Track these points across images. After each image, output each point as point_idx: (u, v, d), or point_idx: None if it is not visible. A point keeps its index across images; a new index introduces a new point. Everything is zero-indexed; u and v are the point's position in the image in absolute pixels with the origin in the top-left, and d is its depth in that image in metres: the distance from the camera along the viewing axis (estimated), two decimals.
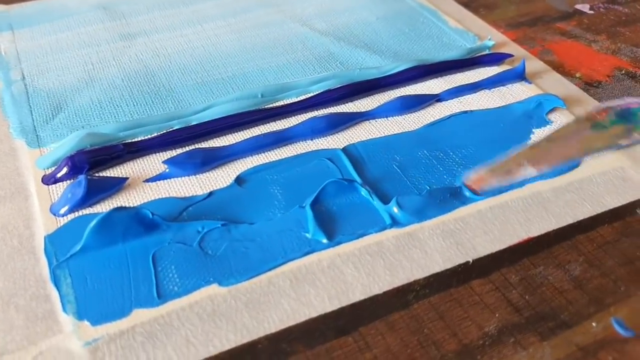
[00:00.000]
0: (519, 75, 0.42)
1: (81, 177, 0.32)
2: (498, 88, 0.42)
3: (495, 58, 0.44)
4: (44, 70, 0.43)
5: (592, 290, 0.29)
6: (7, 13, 0.49)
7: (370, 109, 0.39)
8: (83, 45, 0.45)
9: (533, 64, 0.44)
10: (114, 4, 0.51)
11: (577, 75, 0.44)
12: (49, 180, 0.34)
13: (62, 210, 0.32)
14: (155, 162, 0.35)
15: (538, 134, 0.38)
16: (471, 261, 0.30)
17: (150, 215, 0.30)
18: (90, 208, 0.32)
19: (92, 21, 0.48)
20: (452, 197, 0.33)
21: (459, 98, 0.41)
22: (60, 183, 0.34)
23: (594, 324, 0.28)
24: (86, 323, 0.27)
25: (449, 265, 0.30)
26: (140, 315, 0.27)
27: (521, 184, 0.34)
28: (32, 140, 0.36)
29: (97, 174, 0.34)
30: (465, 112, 0.39)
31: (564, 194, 0.34)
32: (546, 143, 0.35)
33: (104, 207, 0.32)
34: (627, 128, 0.35)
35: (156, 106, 0.39)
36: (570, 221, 0.33)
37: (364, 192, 0.33)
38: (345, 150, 0.36)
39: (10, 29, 0.47)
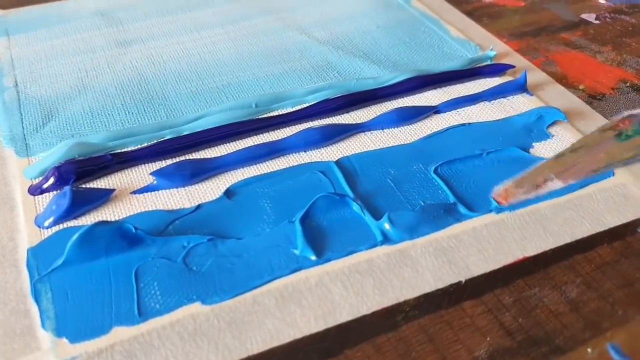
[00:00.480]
0: (521, 87, 0.41)
1: (66, 189, 0.32)
2: (498, 100, 0.41)
3: (497, 69, 0.43)
4: (37, 77, 0.42)
5: (588, 313, 0.28)
6: (5, 18, 0.49)
7: (366, 120, 0.38)
8: (78, 51, 0.45)
9: (535, 75, 0.43)
10: (111, 10, 0.50)
11: (581, 87, 0.43)
12: (35, 190, 0.33)
13: (47, 222, 0.31)
14: (143, 173, 0.34)
15: (538, 148, 0.37)
16: (464, 281, 0.29)
17: (134, 230, 0.30)
18: (75, 220, 0.32)
19: (88, 27, 0.48)
20: (446, 213, 0.32)
21: (458, 110, 0.40)
22: (47, 194, 0.33)
23: (589, 350, 0.27)
24: (64, 340, 0.26)
25: (440, 285, 0.29)
26: (120, 333, 0.27)
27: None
28: (21, 149, 0.36)
29: (83, 185, 0.33)
30: (464, 124, 0.38)
31: (563, 211, 0.33)
32: (571, 154, 0.35)
33: (89, 219, 0.32)
34: None
35: (148, 115, 0.39)
36: (568, 240, 0.31)
37: (355, 207, 0.32)
38: (338, 163, 0.35)
39: (6, 35, 0.47)
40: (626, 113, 0.37)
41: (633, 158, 0.35)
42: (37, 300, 0.28)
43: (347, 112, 0.39)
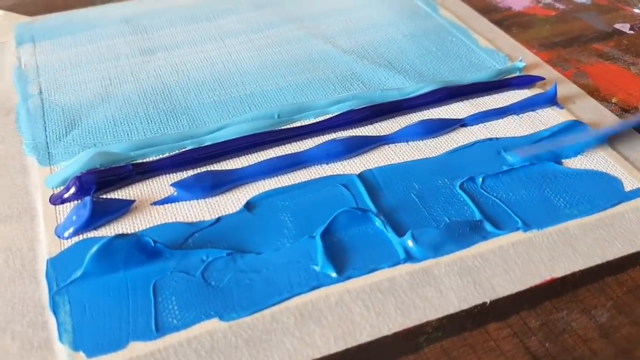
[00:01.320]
0: (551, 100, 0.40)
1: (86, 199, 0.31)
2: (527, 113, 0.39)
3: (526, 81, 0.41)
4: (61, 84, 0.42)
5: (619, 339, 0.27)
6: (31, 25, 0.49)
7: (390, 132, 0.38)
8: (102, 59, 0.45)
9: (566, 88, 0.42)
10: (136, 18, 0.50)
11: (613, 100, 0.41)
12: (56, 200, 0.33)
13: (67, 233, 0.31)
14: (164, 184, 0.34)
15: (567, 163, 0.36)
16: (488, 302, 0.28)
17: (152, 243, 0.29)
18: (95, 231, 0.31)
19: (113, 35, 0.48)
20: (472, 231, 0.31)
21: (485, 123, 0.39)
22: (68, 203, 0.33)
23: None
24: (81, 354, 0.26)
25: (464, 306, 0.28)
26: (136, 348, 0.26)
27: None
28: (44, 158, 0.36)
29: (104, 195, 0.33)
30: (491, 139, 0.37)
31: (593, 230, 0.32)
32: None
33: (109, 231, 0.31)
34: None
35: (170, 125, 0.38)
36: (599, 261, 0.30)
37: (378, 222, 0.31)
38: (361, 176, 0.35)
39: (32, 41, 0.47)
40: None
41: None
42: (55, 312, 0.28)
43: (371, 123, 0.39)
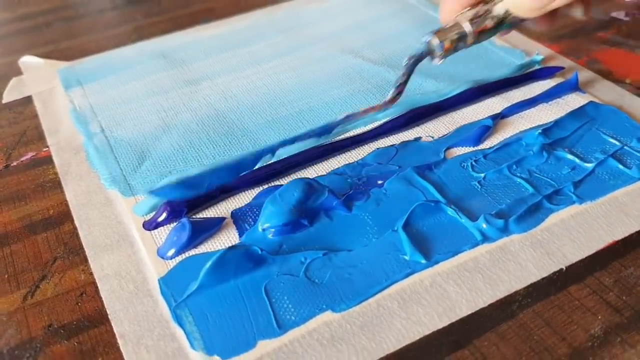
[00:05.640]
0: (573, 87, 0.44)
1: (184, 221, 0.34)
2: (555, 100, 0.43)
3: (548, 72, 0.46)
4: (119, 121, 0.45)
5: None
6: (72, 69, 0.52)
7: (439, 135, 0.41)
8: (151, 93, 0.48)
9: (583, 74, 0.46)
10: (172, 52, 0.53)
11: (627, 81, 0.46)
12: (150, 225, 0.36)
13: (170, 253, 0.34)
14: (245, 200, 0.37)
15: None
16: (564, 268, 0.32)
17: (260, 251, 0.32)
18: (194, 249, 0.34)
19: (154, 70, 0.51)
20: (535, 209, 0.35)
21: (520, 114, 0.42)
22: (161, 227, 0.36)
23: None
24: (217, 358, 0.29)
25: (544, 274, 0.32)
26: (264, 346, 0.29)
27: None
28: (125, 189, 0.38)
29: (194, 216, 0.36)
30: (536, 127, 0.41)
31: (638, 196, 0.36)
32: None
33: (206, 247, 0.34)
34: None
35: (234, 146, 0.41)
36: None
37: (450, 211, 0.35)
38: (420, 173, 0.38)
39: (79, 84, 0.49)
40: None
41: None
42: (181, 324, 0.30)
43: (417, 125, 0.42)
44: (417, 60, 0.34)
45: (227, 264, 0.32)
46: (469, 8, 0.34)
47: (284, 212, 0.34)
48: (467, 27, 0.33)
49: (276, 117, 0.44)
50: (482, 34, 0.34)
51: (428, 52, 0.34)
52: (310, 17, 0.58)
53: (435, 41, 0.33)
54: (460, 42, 0.34)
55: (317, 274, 0.32)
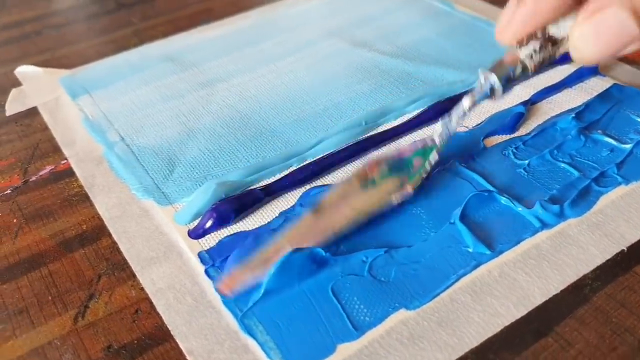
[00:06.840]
0: (594, 71, 0.44)
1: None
2: (578, 85, 0.44)
3: (568, 57, 0.46)
4: (138, 128, 0.43)
5: None
6: (75, 77, 0.49)
7: (472, 125, 0.41)
8: (166, 98, 0.46)
9: None
10: (179, 55, 0.51)
11: None
12: (197, 233, 0.34)
13: None
14: (290, 202, 0.36)
15: None
16: (626, 249, 0.32)
17: (323, 253, 0.31)
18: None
19: (164, 74, 0.49)
20: (585, 192, 0.35)
21: (548, 99, 0.43)
22: (208, 235, 0.34)
23: None
24: None
25: (607, 256, 0.32)
26: (345, 349, 0.28)
27: None
28: (161, 198, 0.37)
29: (239, 221, 0.35)
30: (567, 111, 0.41)
31: None
32: (311, 217, 0.33)
33: None
34: (400, 180, 0.34)
35: (266, 147, 0.40)
36: None
37: (504, 200, 0.35)
38: (464, 164, 0.37)
39: (86, 92, 0.47)
40: (377, 157, 0.35)
41: (380, 207, 0.34)
42: (252, 334, 0.29)
43: None
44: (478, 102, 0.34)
45: (292, 268, 0.31)
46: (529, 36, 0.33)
47: None
48: (529, 63, 0.33)
49: (302, 116, 0.43)
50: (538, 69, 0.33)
51: (490, 94, 0.33)
52: (314, 13, 0.57)
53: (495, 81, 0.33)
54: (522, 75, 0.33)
55: (381, 272, 0.31)
